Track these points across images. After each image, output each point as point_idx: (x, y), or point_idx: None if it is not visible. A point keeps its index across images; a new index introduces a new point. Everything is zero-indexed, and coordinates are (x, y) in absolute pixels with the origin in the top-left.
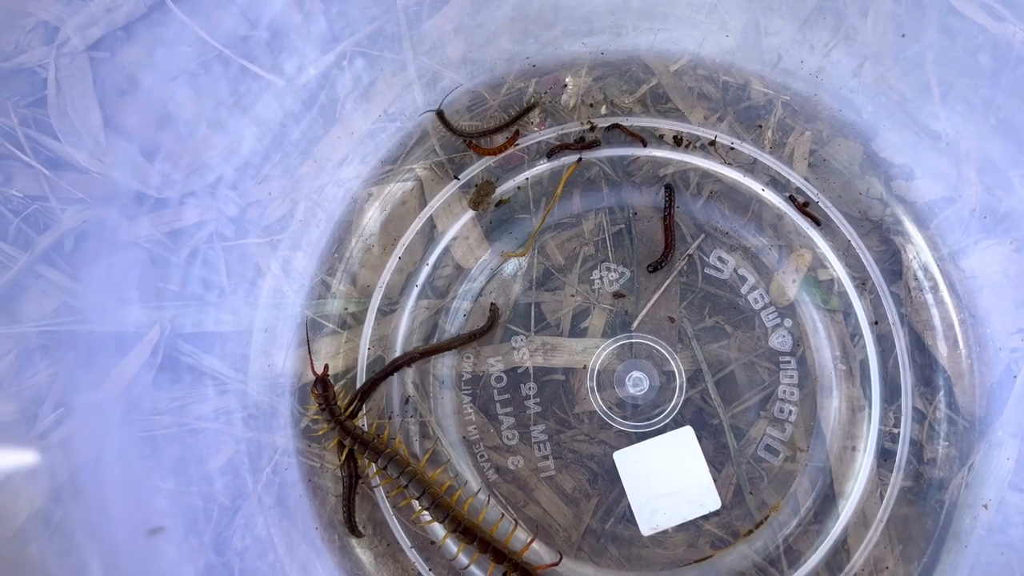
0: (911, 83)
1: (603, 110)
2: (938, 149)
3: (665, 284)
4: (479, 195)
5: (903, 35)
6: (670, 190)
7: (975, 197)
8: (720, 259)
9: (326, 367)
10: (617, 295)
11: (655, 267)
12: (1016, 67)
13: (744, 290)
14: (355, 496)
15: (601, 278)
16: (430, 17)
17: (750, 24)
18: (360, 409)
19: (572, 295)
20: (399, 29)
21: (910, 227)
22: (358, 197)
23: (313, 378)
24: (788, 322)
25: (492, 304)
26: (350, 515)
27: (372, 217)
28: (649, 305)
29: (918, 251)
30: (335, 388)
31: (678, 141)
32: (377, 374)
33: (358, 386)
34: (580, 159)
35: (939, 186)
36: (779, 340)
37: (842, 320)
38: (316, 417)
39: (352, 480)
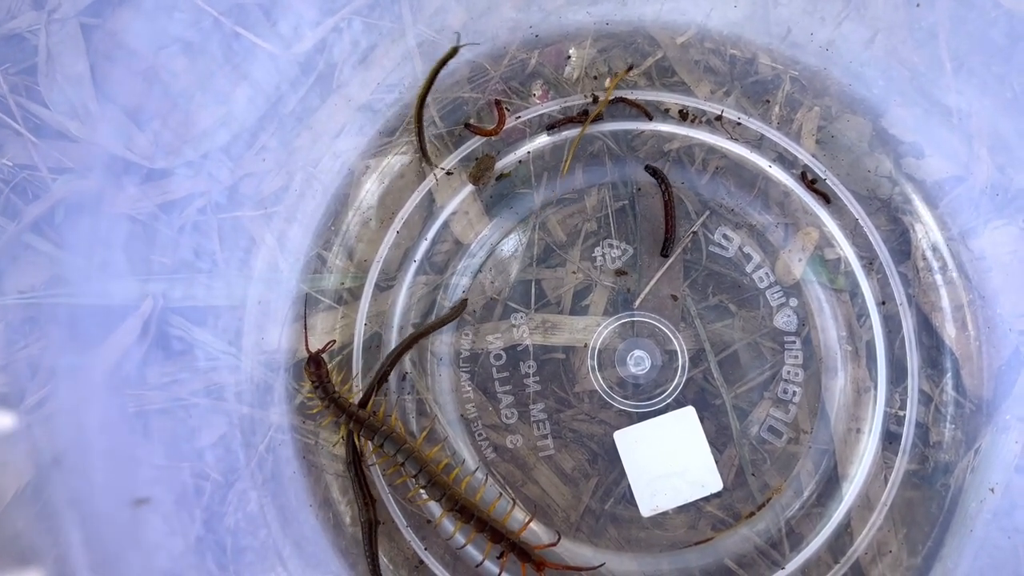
0: (923, 57)
1: (607, 83)
2: (949, 126)
3: (668, 262)
4: (479, 169)
5: (918, 4)
6: (654, 172)
7: (986, 176)
8: (725, 236)
9: (329, 343)
10: (619, 272)
11: (667, 251)
12: None
13: (749, 268)
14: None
15: (603, 255)
16: None
17: None
18: (370, 399)
19: (573, 272)
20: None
21: (919, 206)
22: (355, 169)
23: (307, 355)
24: (793, 301)
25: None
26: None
27: (369, 190)
28: (652, 283)
29: (927, 230)
30: (328, 366)
31: (683, 116)
32: (380, 371)
33: (354, 368)
34: (629, 70)
35: (949, 164)
36: (784, 320)
37: (848, 300)
38: (310, 395)
39: (372, 527)
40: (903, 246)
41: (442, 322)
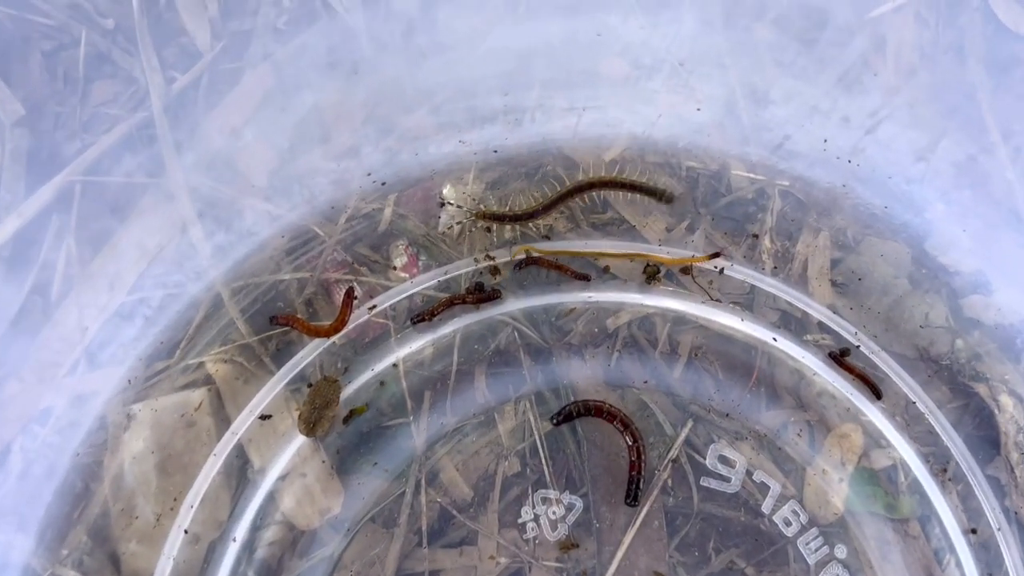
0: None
1: (507, 233)
2: (1021, 242)
3: (640, 514)
4: (312, 406)
5: None
6: (571, 417)
7: None
8: (723, 459)
9: None
10: (567, 545)
11: (635, 496)
12: None
13: (767, 506)
14: None
15: (536, 517)
16: (209, 110)
17: (740, 88)
18: None
19: (492, 557)
20: (157, 132)
21: (996, 364)
22: (110, 423)
23: None
24: (841, 550)
25: None
26: None
27: (136, 456)
28: (620, 554)
29: (1017, 401)
30: None
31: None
32: None
33: None
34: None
35: None
36: None
37: (920, 532)
38: None
39: None
40: (985, 432)
41: None
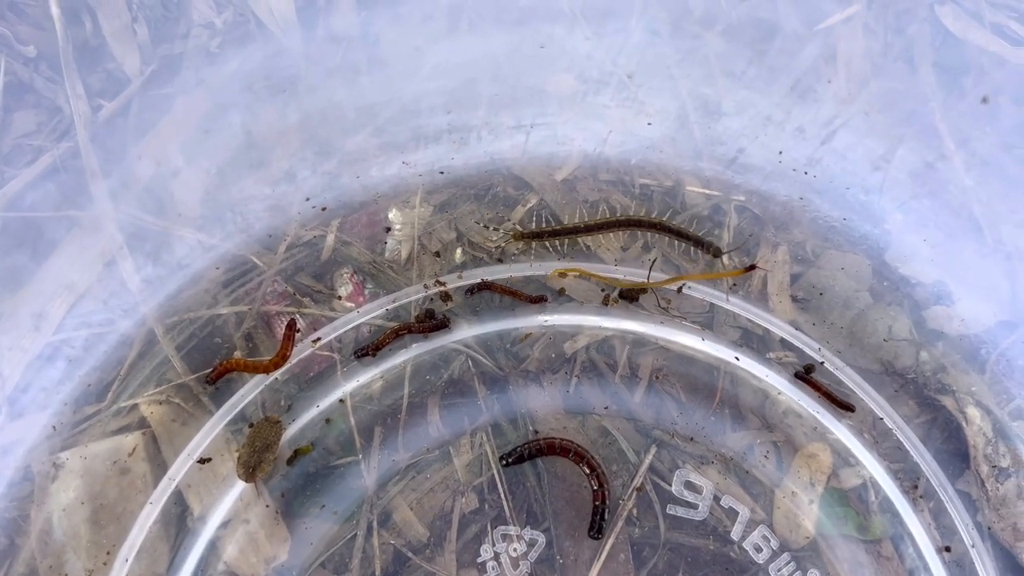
0: (976, 174)
1: (458, 256)
2: (981, 249)
3: (605, 547)
4: (252, 449)
5: (984, 100)
6: (522, 458)
7: None
8: (689, 484)
9: None
10: None
11: (599, 528)
12: None
13: (736, 532)
14: None
15: (497, 555)
16: (139, 138)
17: (691, 101)
18: None
19: None
20: (83, 162)
21: (963, 375)
22: (37, 473)
23: None
24: (813, 574)
25: None
26: None
27: (66, 506)
28: None
29: (983, 412)
30: None
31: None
32: None
33: None
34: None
35: (993, 305)
36: None
37: (894, 553)
38: None
39: None
40: (954, 446)
41: None
